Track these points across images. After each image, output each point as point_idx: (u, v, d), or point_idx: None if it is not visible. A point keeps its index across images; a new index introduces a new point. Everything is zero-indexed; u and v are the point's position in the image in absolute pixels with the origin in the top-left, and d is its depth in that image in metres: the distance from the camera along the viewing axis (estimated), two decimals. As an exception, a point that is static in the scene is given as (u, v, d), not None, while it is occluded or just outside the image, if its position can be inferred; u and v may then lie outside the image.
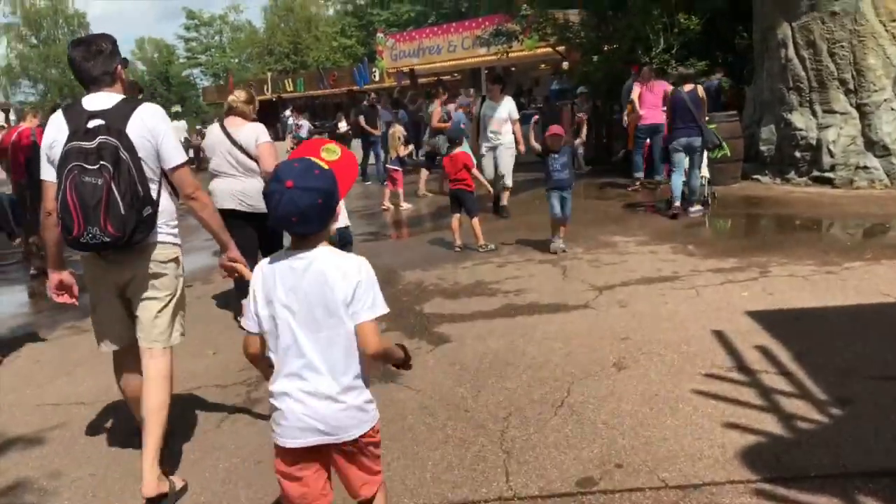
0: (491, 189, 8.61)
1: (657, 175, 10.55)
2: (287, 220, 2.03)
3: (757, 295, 5.25)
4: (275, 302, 2.09)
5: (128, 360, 3.28)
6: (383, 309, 2.11)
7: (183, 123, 27.23)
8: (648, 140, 10.58)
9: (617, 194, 10.72)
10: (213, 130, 5.30)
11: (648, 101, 10.27)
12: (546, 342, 4.60)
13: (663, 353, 4.24)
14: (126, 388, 3.34)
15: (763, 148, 10.37)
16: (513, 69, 23.67)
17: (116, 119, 2.96)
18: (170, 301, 3.20)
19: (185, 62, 60.36)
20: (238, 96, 5.26)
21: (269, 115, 35.95)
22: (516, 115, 9.21)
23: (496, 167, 9.21)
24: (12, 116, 8.68)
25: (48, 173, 3.03)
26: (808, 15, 9.61)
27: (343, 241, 5.78)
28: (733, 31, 15.84)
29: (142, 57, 61.04)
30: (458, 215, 7.54)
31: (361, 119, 15.18)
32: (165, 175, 3.15)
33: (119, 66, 3.15)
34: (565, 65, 17.27)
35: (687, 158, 8.38)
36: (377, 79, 29.40)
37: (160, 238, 3.13)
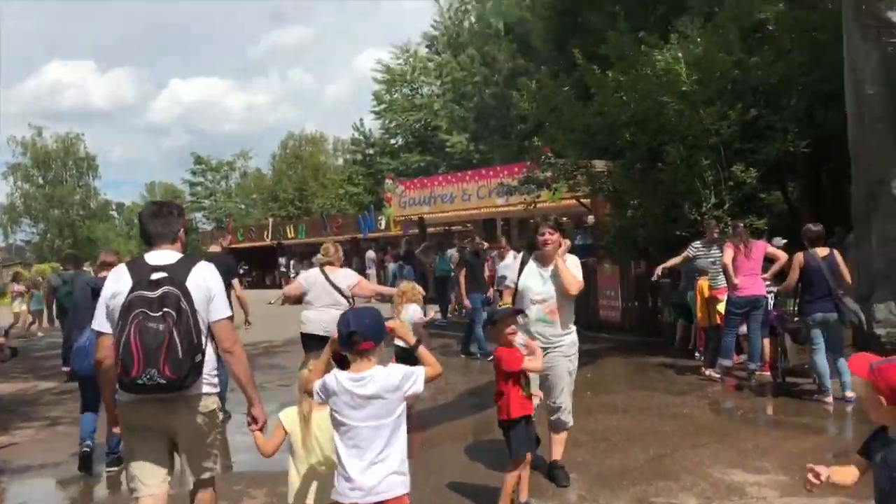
0: (541, 396, 4.81)
1: (752, 364, 8.16)
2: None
3: None
4: None
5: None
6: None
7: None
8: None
9: (688, 385, 8.26)
10: (314, 272, 6.76)
11: (746, 268, 7.96)
12: None
13: None
14: None
15: (880, 331, 7.99)
16: (531, 221, 21.94)
17: (178, 273, 3.37)
18: (212, 443, 3.51)
19: (189, 205, 59.95)
20: (327, 251, 6.77)
21: (266, 260, 34.32)
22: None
23: (549, 389, 5.00)
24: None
25: (105, 325, 3.38)
26: (934, 165, 7.58)
27: None
28: (782, 186, 14.05)
29: (151, 199, 60.73)
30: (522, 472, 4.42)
31: (462, 274, 11.49)
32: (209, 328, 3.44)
33: (181, 230, 3.65)
34: (590, 218, 15.55)
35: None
36: (382, 227, 27.91)
37: (205, 389, 3.39)
